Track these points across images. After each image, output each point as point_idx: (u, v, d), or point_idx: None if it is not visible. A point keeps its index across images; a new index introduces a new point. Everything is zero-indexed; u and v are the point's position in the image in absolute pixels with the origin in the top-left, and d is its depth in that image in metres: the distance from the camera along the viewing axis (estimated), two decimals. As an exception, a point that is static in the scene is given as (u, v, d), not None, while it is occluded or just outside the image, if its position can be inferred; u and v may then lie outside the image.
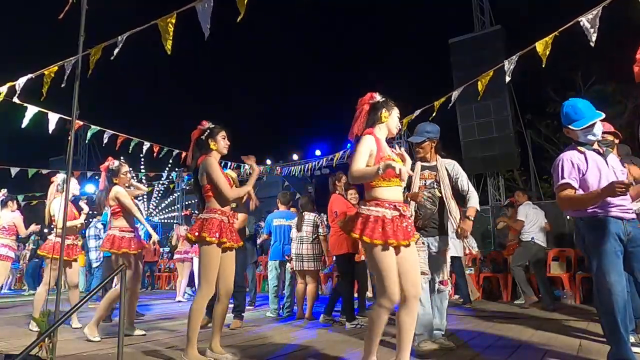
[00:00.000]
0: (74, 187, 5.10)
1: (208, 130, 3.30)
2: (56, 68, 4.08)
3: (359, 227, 2.47)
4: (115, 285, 5.27)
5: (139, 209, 4.74)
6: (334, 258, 5.30)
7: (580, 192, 2.69)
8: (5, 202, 5.79)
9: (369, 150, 2.51)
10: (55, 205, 4.89)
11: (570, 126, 2.79)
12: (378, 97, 2.66)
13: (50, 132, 5.34)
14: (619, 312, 2.51)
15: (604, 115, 2.77)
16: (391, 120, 2.66)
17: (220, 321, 3.26)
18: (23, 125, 5.01)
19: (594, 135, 2.75)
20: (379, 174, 2.36)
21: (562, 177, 2.72)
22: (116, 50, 3.82)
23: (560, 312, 5.47)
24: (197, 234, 3.13)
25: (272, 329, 4.68)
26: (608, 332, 2.62)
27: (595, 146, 2.80)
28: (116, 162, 4.48)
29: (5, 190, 6.23)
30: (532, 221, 6.23)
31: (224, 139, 3.33)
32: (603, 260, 2.57)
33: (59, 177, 5.03)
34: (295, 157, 15.83)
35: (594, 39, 3.72)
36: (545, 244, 6.30)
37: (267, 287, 6.77)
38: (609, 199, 2.57)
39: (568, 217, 8.12)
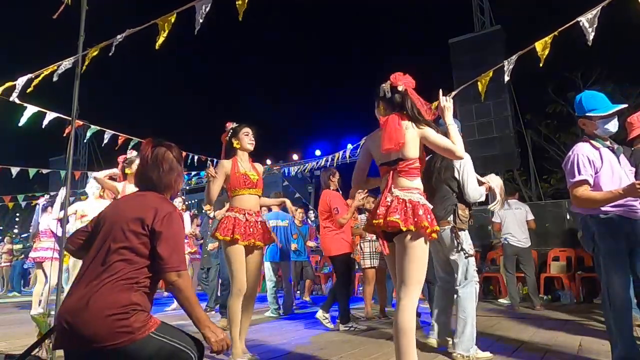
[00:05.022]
0: (93, 187, 5.23)
1: (231, 131, 3.38)
2: (55, 68, 4.07)
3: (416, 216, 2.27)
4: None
5: None
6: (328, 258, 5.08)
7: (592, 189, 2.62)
8: (46, 208, 5.99)
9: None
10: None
11: (589, 114, 2.67)
12: None
13: (42, 126, 5.36)
14: (624, 309, 2.51)
15: (627, 105, 2.67)
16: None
17: (245, 320, 3.23)
18: (20, 124, 5.00)
19: (614, 126, 2.66)
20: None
21: (579, 173, 2.60)
22: (115, 44, 3.80)
23: (560, 312, 5.46)
24: (215, 233, 3.24)
25: (272, 329, 4.67)
26: (614, 329, 2.60)
27: (608, 143, 2.71)
28: (135, 153, 4.47)
29: (47, 195, 6.44)
30: (506, 222, 6.14)
31: (247, 135, 3.36)
32: (610, 258, 2.57)
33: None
34: (295, 157, 15.86)
35: (591, 38, 3.72)
36: (521, 243, 6.04)
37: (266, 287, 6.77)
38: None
39: (568, 216, 8.11)
